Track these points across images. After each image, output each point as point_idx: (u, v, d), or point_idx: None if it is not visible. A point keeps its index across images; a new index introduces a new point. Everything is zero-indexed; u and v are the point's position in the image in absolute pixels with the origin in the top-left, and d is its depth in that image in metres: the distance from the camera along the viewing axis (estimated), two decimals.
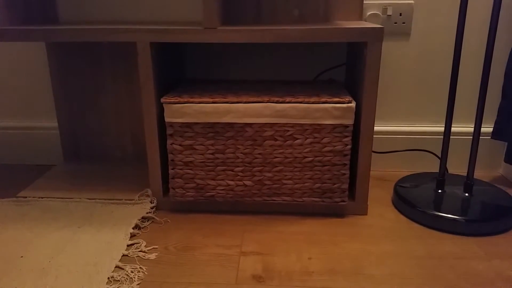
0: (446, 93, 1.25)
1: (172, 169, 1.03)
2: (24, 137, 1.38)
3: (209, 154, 1.01)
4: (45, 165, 1.37)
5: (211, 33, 0.95)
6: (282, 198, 1.03)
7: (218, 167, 1.02)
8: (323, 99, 0.96)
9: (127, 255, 0.89)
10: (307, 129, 0.98)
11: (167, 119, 0.99)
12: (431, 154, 1.27)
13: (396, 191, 1.11)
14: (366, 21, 1.20)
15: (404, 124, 1.29)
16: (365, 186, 1.03)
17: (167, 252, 0.91)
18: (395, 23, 1.20)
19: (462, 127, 1.27)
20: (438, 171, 1.10)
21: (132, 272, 0.83)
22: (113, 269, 0.84)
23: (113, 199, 1.10)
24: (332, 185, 1.01)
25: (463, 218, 0.97)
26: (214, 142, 1.00)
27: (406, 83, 1.26)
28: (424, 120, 1.29)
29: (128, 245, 0.92)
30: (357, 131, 1.01)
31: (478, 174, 1.26)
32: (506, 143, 1.20)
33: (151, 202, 1.07)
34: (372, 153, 1.02)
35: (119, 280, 0.81)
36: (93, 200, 1.10)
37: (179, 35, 0.96)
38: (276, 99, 0.97)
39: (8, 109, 1.37)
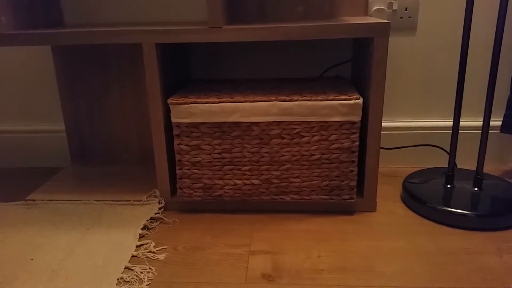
0: (454, 87, 1.24)
1: (180, 169, 1.03)
2: (31, 140, 1.38)
3: (216, 153, 1.01)
4: (53, 167, 1.37)
5: (216, 32, 0.95)
6: (290, 196, 1.03)
7: (226, 167, 1.01)
8: (330, 96, 0.96)
9: (136, 256, 0.89)
10: (314, 127, 0.97)
11: (173, 120, 0.99)
12: (440, 149, 1.26)
13: (405, 187, 1.10)
14: (371, 16, 1.19)
15: (412, 120, 1.28)
16: (373, 182, 1.02)
17: (176, 252, 0.91)
18: (401, 17, 1.19)
19: (471, 121, 1.26)
20: (447, 166, 1.09)
21: (141, 272, 0.83)
22: (122, 270, 0.84)
23: (121, 201, 1.11)
24: (340, 182, 1.01)
25: (473, 213, 0.96)
26: (221, 142, 1.00)
27: (413, 78, 1.25)
28: (432, 115, 1.28)
29: (137, 246, 0.92)
30: (365, 128, 1.00)
31: (488, 168, 1.24)
32: None
33: (159, 203, 1.07)
34: (380, 149, 1.01)
35: (128, 281, 0.81)
36: (102, 202, 1.10)
37: (184, 35, 0.96)
38: (283, 97, 0.96)
39: (15, 113, 1.38)
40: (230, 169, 1.02)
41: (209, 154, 1.01)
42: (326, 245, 0.92)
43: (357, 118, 0.96)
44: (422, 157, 1.29)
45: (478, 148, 1.04)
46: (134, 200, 1.10)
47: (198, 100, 0.97)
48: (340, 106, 0.95)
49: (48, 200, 1.12)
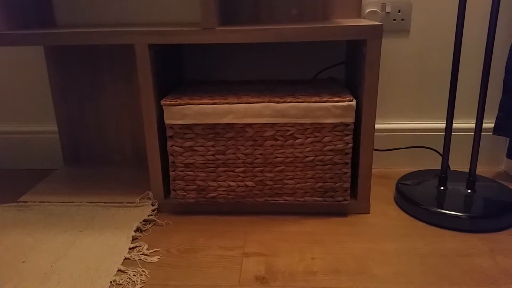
0: (446, 89, 1.25)
1: (173, 171, 1.02)
2: (24, 141, 1.37)
3: (210, 155, 1.00)
4: (46, 169, 1.36)
5: (209, 33, 0.95)
6: (284, 198, 1.03)
7: (219, 168, 1.01)
8: (324, 98, 0.96)
9: (129, 258, 0.89)
10: (308, 128, 0.97)
11: (167, 121, 0.99)
12: (433, 151, 1.27)
13: (398, 189, 1.10)
14: (365, 18, 1.19)
15: (405, 121, 1.29)
16: (367, 184, 1.03)
17: (169, 254, 0.90)
18: (394, 20, 1.20)
19: (464, 123, 1.27)
20: (440, 168, 1.09)
21: (134, 275, 0.83)
22: (115, 272, 0.83)
23: (114, 202, 1.10)
24: (334, 184, 1.01)
25: (466, 214, 0.96)
26: (214, 143, 0.99)
27: (406, 80, 1.25)
28: (425, 117, 1.28)
29: (130, 248, 0.92)
30: (358, 130, 1.00)
31: (480, 170, 1.25)
32: (508, 139, 1.20)
33: (152, 205, 1.07)
34: (374, 151, 1.02)
35: (121, 284, 0.80)
36: (94, 204, 1.10)
37: (177, 36, 0.96)
38: (277, 99, 0.96)
39: (7, 114, 1.37)
40: (223, 171, 1.01)
41: (203, 155, 1.01)
42: (320, 247, 0.92)
43: (350, 120, 0.96)
44: (415, 159, 1.29)
45: (471, 150, 1.04)
46: (127, 202, 1.10)
47: (191, 102, 0.97)
48: (334, 108, 0.95)
49: (40, 202, 1.11)
